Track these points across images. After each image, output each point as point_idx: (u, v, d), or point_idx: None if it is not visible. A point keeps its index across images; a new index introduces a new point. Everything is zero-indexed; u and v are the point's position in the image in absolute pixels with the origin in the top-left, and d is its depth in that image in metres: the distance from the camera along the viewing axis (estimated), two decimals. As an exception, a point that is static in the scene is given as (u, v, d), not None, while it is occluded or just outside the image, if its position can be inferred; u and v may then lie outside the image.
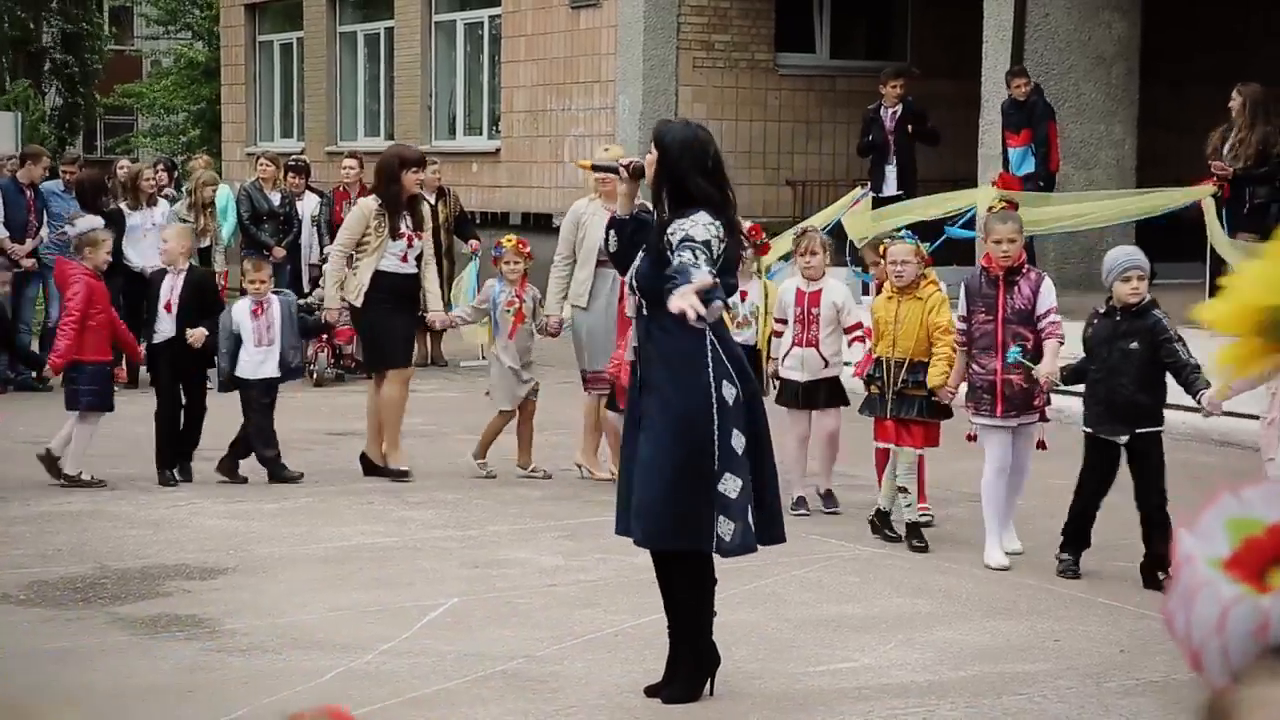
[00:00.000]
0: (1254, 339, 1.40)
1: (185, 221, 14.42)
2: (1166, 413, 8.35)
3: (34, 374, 13.06)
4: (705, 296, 5.76)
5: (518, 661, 6.84)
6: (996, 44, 16.23)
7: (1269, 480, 7.03)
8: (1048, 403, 8.67)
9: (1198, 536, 1.10)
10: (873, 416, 9.18)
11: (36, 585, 8.09)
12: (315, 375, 15.11)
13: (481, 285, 11.84)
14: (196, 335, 10.55)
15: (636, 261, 6.37)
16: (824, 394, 9.79)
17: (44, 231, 14.97)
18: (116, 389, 11.28)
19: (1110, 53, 16.55)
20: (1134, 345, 8.15)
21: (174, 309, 10.62)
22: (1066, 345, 8.60)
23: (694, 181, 6.25)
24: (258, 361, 10.66)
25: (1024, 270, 8.55)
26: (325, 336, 14.17)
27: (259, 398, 10.65)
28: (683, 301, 5.63)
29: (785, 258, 11.69)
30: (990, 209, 8.92)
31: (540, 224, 20.31)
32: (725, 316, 9.58)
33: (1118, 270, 8.18)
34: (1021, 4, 15.96)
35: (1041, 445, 8.68)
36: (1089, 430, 8.35)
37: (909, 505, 9.01)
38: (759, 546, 6.34)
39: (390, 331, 10.78)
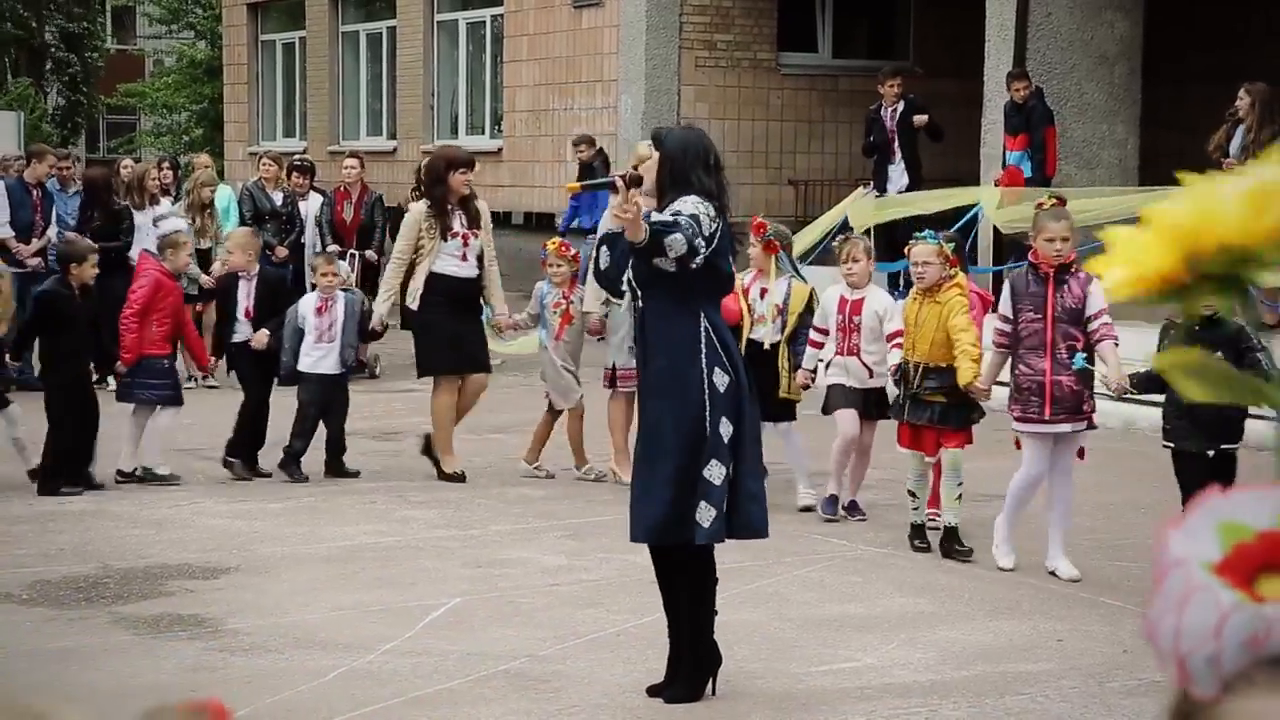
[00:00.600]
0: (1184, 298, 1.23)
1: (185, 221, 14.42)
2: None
3: (101, 372, 12.95)
4: (666, 235, 6.00)
5: (520, 661, 6.84)
6: (998, 43, 16.22)
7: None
8: (1093, 409, 8.37)
9: (1187, 538, 1.07)
10: (895, 420, 9.01)
11: (39, 585, 8.09)
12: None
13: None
14: (259, 339, 10.79)
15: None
16: (871, 406, 9.52)
17: (51, 232, 14.95)
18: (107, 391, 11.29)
19: (1112, 52, 16.54)
20: (1216, 355, 7.96)
21: (253, 314, 10.86)
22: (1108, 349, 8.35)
23: (696, 176, 6.34)
24: (317, 356, 10.70)
25: (1074, 269, 8.25)
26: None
27: (314, 391, 10.66)
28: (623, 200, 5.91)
29: (805, 257, 11.64)
30: (1040, 205, 8.58)
31: (542, 223, 20.32)
32: (747, 314, 9.58)
33: None
34: (1024, 3, 15.95)
35: (1081, 454, 8.39)
36: (1171, 445, 8.08)
37: (915, 509, 8.88)
38: (731, 540, 6.33)
39: (439, 337, 10.78)
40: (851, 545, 8.98)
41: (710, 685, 6.40)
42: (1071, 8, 16.31)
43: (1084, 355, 8.17)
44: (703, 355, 6.22)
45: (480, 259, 10.81)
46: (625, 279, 6.40)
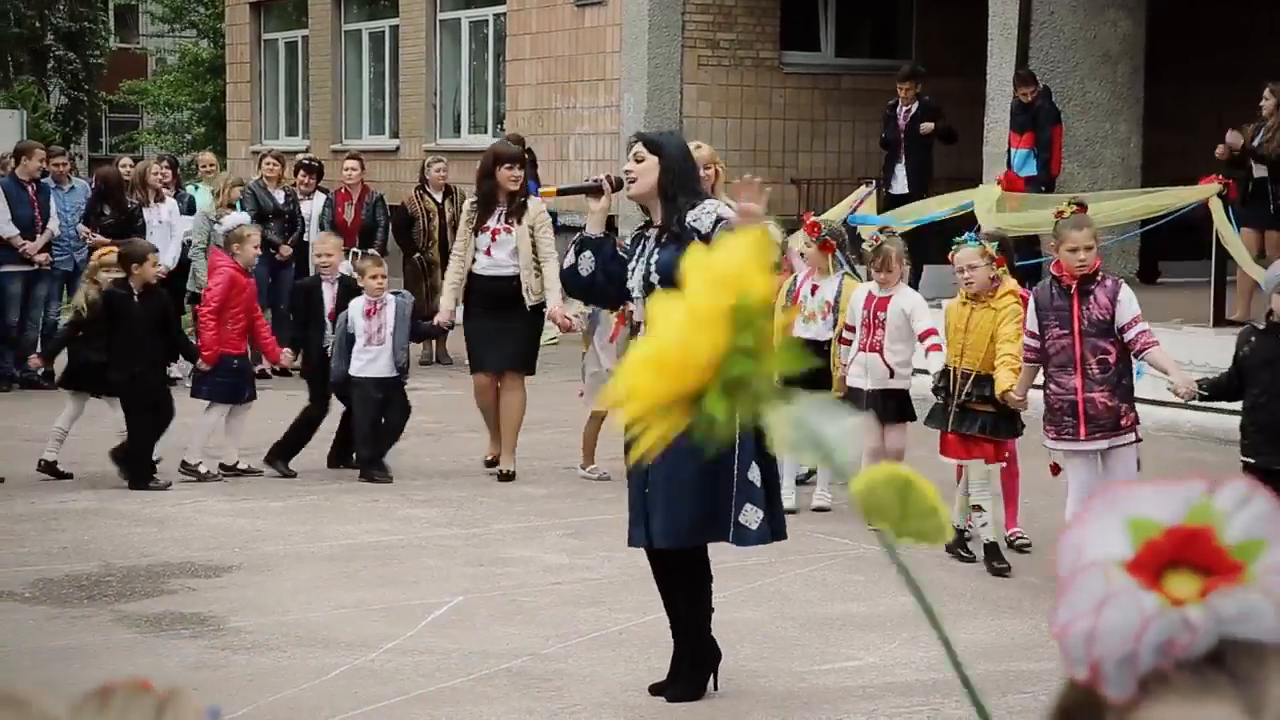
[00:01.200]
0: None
1: (216, 223, 14.37)
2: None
3: (184, 367, 12.97)
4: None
5: (522, 660, 6.84)
6: (1001, 42, 16.22)
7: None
8: (1136, 421, 7.91)
9: (1098, 537, 1.04)
10: (937, 429, 8.64)
11: (42, 583, 8.10)
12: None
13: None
14: (286, 356, 11.16)
15: (646, 261, 6.34)
16: (892, 408, 9.24)
17: (53, 225, 14.94)
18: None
19: (1115, 51, 16.54)
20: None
21: (334, 317, 10.92)
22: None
23: (696, 178, 6.48)
24: (366, 360, 10.66)
25: (1099, 278, 7.84)
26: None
27: (367, 395, 10.65)
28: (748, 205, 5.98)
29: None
30: (1060, 213, 8.09)
31: (545, 222, 20.32)
32: (796, 311, 9.56)
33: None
34: (1026, 2, 15.94)
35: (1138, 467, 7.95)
36: (1249, 460, 7.69)
37: (984, 524, 8.42)
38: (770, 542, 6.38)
39: (472, 335, 10.82)
40: (854, 544, 8.97)
41: (712, 683, 6.41)
42: (1074, 6, 16.31)
43: (1140, 367, 7.85)
44: None
45: (517, 253, 10.73)
46: (648, 284, 6.30)
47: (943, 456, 8.59)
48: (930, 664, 6.83)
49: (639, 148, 6.42)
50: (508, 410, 10.75)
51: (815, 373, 9.41)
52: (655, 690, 6.39)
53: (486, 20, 22.64)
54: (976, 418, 8.37)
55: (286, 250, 15.79)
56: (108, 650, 6.99)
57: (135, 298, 10.40)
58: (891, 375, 9.23)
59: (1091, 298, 7.80)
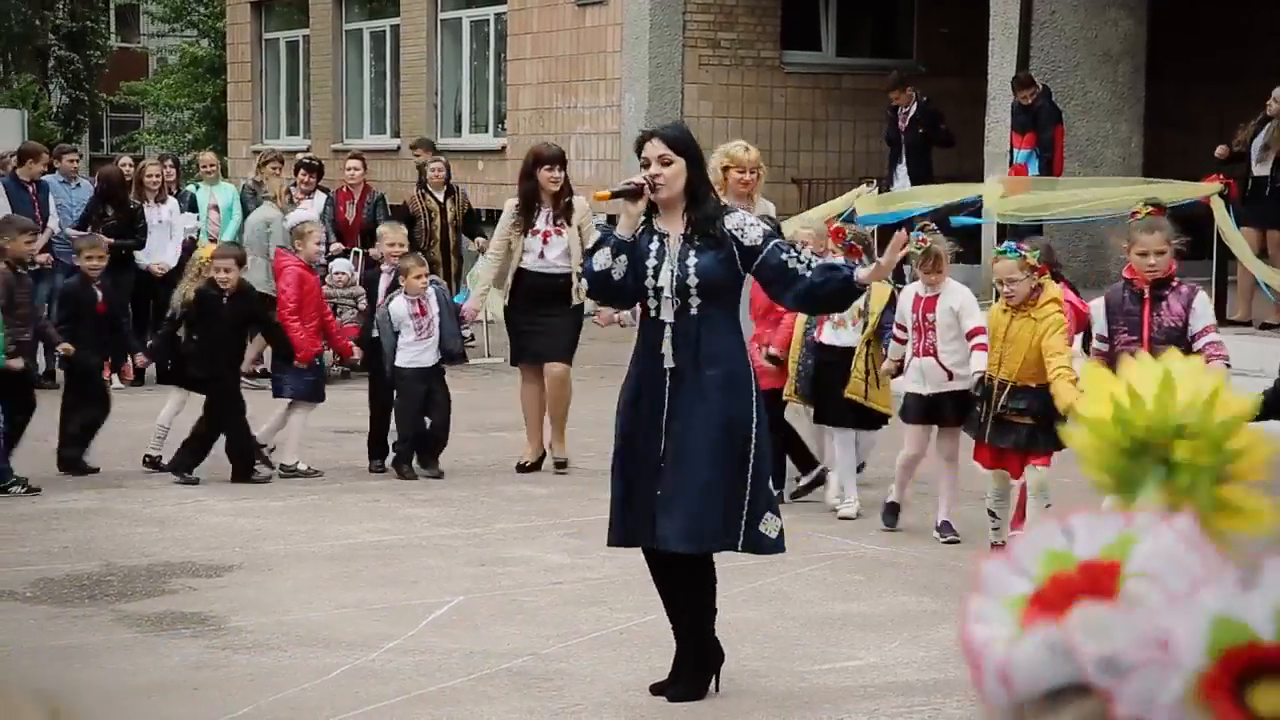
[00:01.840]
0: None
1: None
2: None
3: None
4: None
5: (523, 659, 6.84)
6: (1002, 41, 16.22)
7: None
8: None
9: (1010, 569, 1.03)
10: (973, 437, 8.43)
11: (43, 582, 8.10)
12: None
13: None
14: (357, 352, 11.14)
15: (677, 262, 6.26)
16: (950, 409, 8.86)
17: (53, 223, 14.95)
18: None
19: (1117, 50, 16.54)
20: None
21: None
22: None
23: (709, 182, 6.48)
24: (417, 352, 10.71)
25: (1173, 284, 7.57)
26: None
27: (413, 387, 10.70)
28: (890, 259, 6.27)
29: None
30: (1135, 214, 7.88)
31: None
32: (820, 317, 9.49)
33: None
34: (1027, 1, 15.95)
35: None
36: None
37: (996, 529, 8.42)
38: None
39: (519, 330, 10.82)
40: (855, 544, 8.97)
41: (714, 683, 6.41)
42: (1075, 6, 16.31)
43: None
44: (749, 365, 6.36)
45: (569, 254, 10.74)
46: (682, 287, 6.23)
47: (975, 462, 8.49)
48: (931, 663, 6.83)
49: (664, 150, 6.24)
50: (560, 399, 10.82)
51: (834, 377, 9.36)
52: (656, 690, 6.39)
53: (487, 20, 22.64)
54: (1012, 431, 8.14)
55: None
56: (108, 650, 6.99)
57: (225, 299, 10.54)
58: (950, 377, 8.83)
59: (1164, 304, 7.51)
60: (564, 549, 8.84)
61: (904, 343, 9.06)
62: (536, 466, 10.85)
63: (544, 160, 10.78)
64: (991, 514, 8.43)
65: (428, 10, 23.33)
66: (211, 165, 17.65)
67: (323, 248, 11.37)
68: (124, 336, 11.42)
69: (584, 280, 6.42)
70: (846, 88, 20.30)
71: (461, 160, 21.34)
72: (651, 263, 6.28)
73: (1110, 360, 7.45)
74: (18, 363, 10.27)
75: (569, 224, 10.73)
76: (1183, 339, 7.39)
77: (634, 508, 6.29)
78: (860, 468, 9.93)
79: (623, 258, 6.27)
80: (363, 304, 12.37)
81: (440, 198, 16.44)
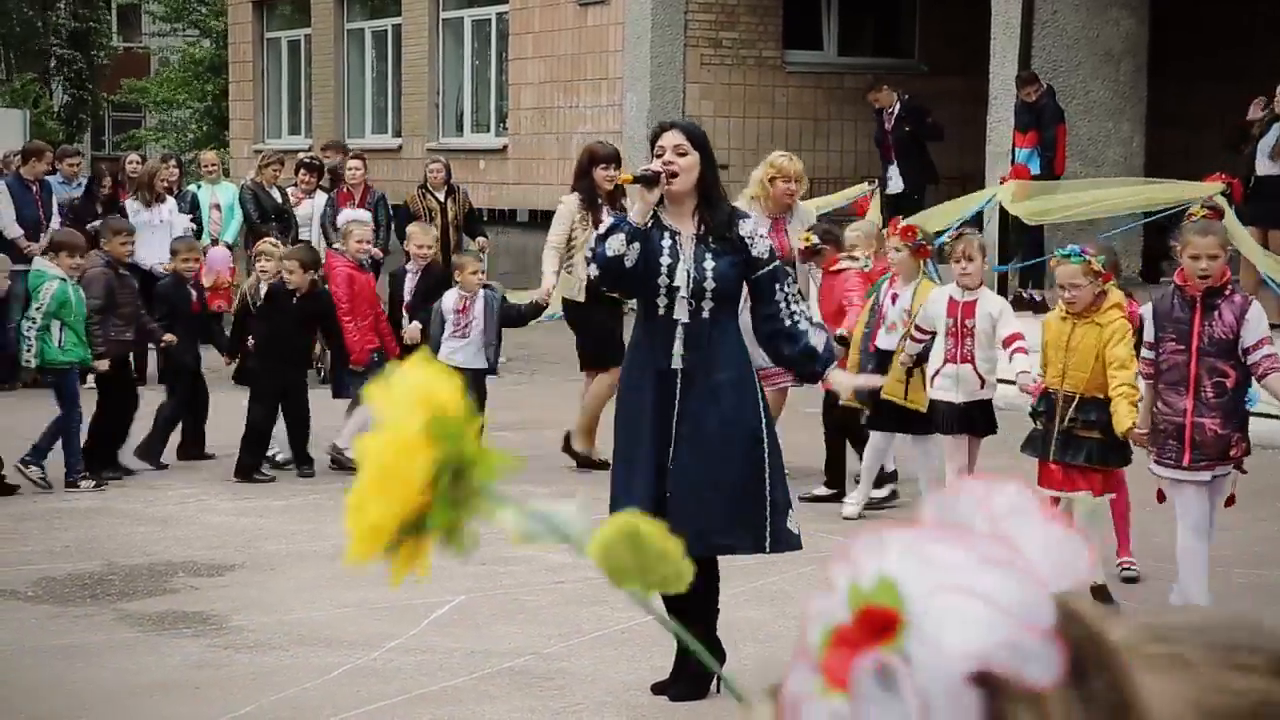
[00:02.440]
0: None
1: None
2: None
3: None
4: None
5: (525, 659, 6.84)
6: (1004, 41, 16.21)
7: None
8: (1247, 452, 7.18)
9: (824, 606, 0.90)
10: (1035, 457, 7.82)
11: (44, 582, 8.10)
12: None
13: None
14: (411, 332, 11.03)
15: (694, 262, 6.20)
16: (979, 419, 8.61)
17: (54, 223, 14.94)
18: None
19: (1118, 50, 16.52)
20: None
21: (410, 308, 11.10)
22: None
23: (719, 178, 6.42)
24: (451, 349, 10.72)
25: (1226, 292, 7.13)
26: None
27: None
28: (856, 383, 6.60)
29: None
30: (1190, 215, 7.44)
31: (547, 221, 20.25)
32: (867, 319, 9.39)
33: None
34: (1029, 1, 15.94)
35: (1230, 501, 7.29)
36: None
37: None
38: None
39: (599, 328, 10.82)
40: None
41: (715, 683, 6.41)
42: (1077, 5, 16.30)
43: (1255, 394, 7.22)
44: (753, 366, 6.36)
45: None
46: (699, 289, 6.18)
47: (1041, 488, 7.65)
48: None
49: (682, 140, 6.17)
50: (609, 398, 10.85)
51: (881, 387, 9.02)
52: (658, 689, 6.39)
53: (489, 19, 22.63)
54: (1082, 445, 7.62)
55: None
56: (110, 649, 6.99)
57: (295, 298, 10.67)
58: (982, 385, 8.61)
59: (1216, 313, 7.10)
60: (565, 548, 8.82)
61: (920, 343, 8.79)
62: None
63: (599, 159, 10.84)
64: None
65: (429, 9, 23.33)
66: (213, 164, 17.65)
67: (365, 245, 11.31)
68: (216, 335, 11.58)
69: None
70: (848, 87, 20.29)
71: (463, 160, 21.35)
72: (665, 260, 6.19)
73: (1157, 372, 7.25)
74: (103, 364, 10.49)
75: None
76: (1234, 351, 7.08)
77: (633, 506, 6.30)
78: (893, 475, 9.84)
79: (635, 245, 6.17)
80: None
81: (441, 197, 16.44)
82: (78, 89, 41.53)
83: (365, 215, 13.05)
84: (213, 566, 8.44)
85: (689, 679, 6.37)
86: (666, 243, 6.22)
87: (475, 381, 10.83)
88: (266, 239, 11.87)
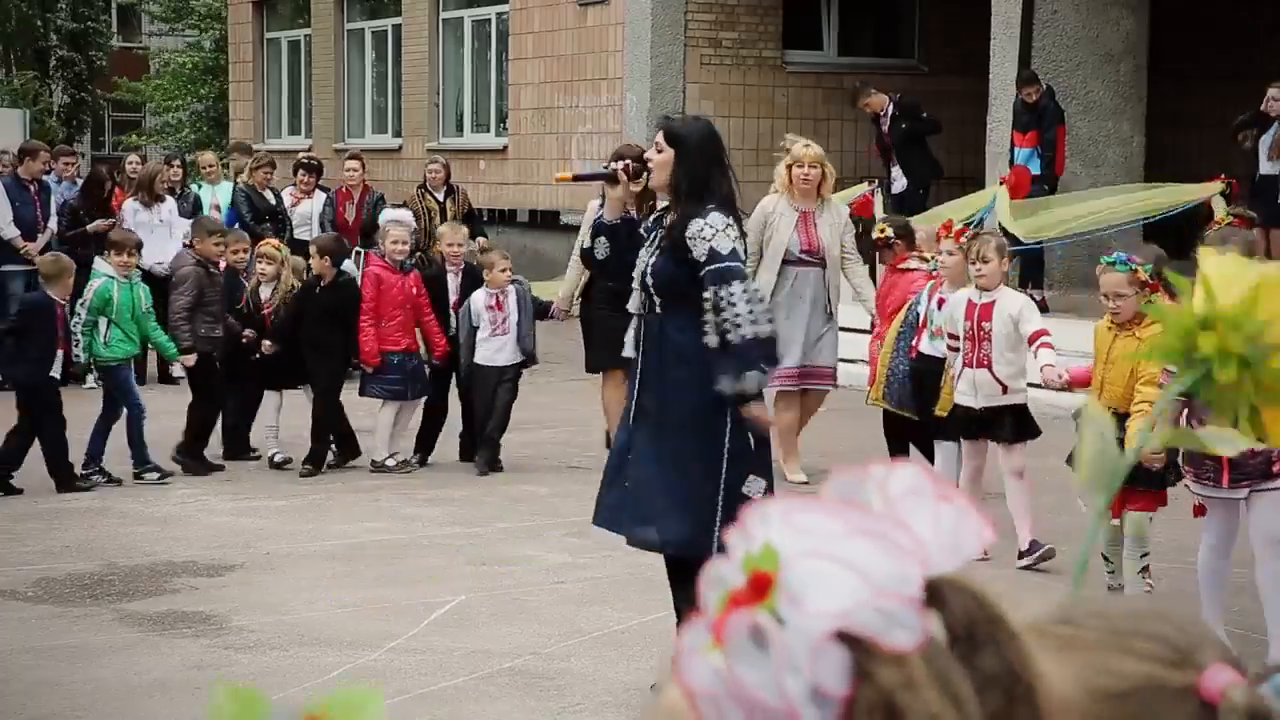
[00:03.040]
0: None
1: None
2: None
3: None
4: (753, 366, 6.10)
5: (524, 659, 6.84)
6: (1004, 41, 16.21)
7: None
8: None
9: (722, 571, 0.96)
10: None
11: (44, 582, 8.10)
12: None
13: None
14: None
15: (648, 258, 6.32)
16: (1009, 425, 8.32)
17: (52, 223, 14.94)
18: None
19: (1118, 49, 16.52)
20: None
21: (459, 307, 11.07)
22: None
23: (714, 177, 6.29)
24: (494, 349, 10.77)
25: None
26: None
27: (489, 384, 10.75)
28: (756, 412, 6.13)
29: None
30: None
31: (547, 221, 20.33)
32: (909, 324, 9.23)
33: None
34: (1029, 1, 15.94)
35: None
36: None
37: (1111, 572, 7.56)
38: None
39: (602, 332, 10.80)
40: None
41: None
42: (1077, 5, 16.29)
43: None
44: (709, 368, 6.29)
45: None
46: (644, 283, 6.29)
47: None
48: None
49: (660, 138, 6.34)
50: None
51: (929, 393, 8.98)
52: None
53: (489, 19, 22.63)
54: None
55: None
56: (110, 650, 6.99)
57: (319, 288, 10.82)
58: (1005, 390, 8.32)
59: None
60: (565, 548, 8.84)
61: (956, 350, 8.53)
62: None
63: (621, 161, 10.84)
64: (1105, 558, 7.55)
65: (429, 10, 23.33)
66: (212, 165, 17.65)
67: (402, 245, 11.16)
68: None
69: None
70: (848, 87, 20.25)
71: (463, 160, 21.35)
72: (641, 255, 6.37)
73: None
74: (190, 359, 10.77)
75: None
76: None
77: (613, 492, 6.37)
78: None
79: (602, 239, 6.46)
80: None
81: (440, 197, 16.44)
82: (77, 89, 41.51)
83: (406, 215, 13.06)
84: (213, 566, 8.44)
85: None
86: (654, 235, 6.39)
87: (514, 376, 10.87)
88: (269, 241, 11.85)
